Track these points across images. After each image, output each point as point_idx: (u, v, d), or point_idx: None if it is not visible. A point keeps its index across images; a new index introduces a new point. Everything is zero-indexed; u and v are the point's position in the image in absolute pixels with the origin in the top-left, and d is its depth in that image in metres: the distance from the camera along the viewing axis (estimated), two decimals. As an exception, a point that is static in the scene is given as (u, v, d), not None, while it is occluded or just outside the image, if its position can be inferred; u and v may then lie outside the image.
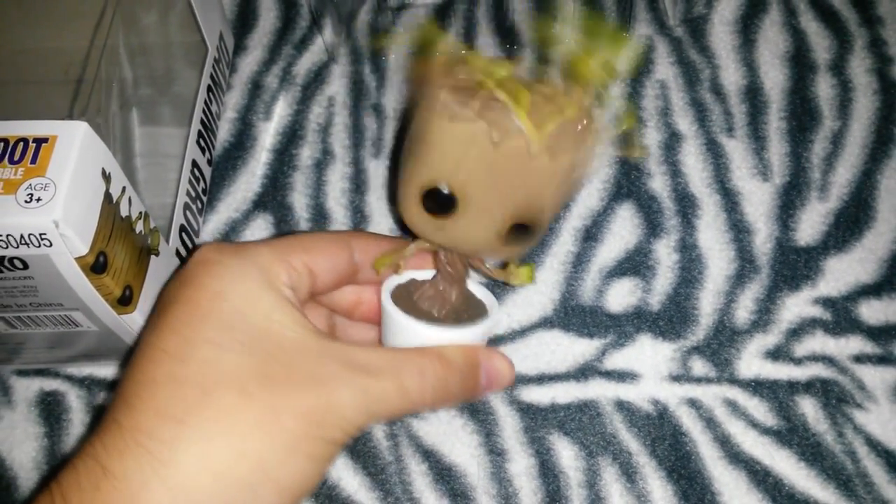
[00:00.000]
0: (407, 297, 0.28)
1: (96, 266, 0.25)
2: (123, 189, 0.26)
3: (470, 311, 0.28)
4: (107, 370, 0.35)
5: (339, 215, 0.38)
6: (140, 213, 0.28)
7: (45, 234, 0.23)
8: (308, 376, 0.23)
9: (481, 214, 0.24)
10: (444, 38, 0.24)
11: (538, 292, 0.36)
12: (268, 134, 0.40)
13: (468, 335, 0.27)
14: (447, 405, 0.27)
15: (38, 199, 0.23)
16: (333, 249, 0.27)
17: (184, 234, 0.34)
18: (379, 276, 0.28)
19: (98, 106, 0.27)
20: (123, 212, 0.26)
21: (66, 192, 0.23)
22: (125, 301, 0.27)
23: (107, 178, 0.25)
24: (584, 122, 0.24)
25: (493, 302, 0.29)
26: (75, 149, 0.24)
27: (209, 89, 0.38)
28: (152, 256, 0.29)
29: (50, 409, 0.34)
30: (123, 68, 0.31)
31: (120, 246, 0.26)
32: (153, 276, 0.29)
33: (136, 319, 0.28)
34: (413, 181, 0.25)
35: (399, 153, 0.29)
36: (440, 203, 0.24)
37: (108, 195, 0.25)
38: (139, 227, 0.28)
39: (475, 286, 0.29)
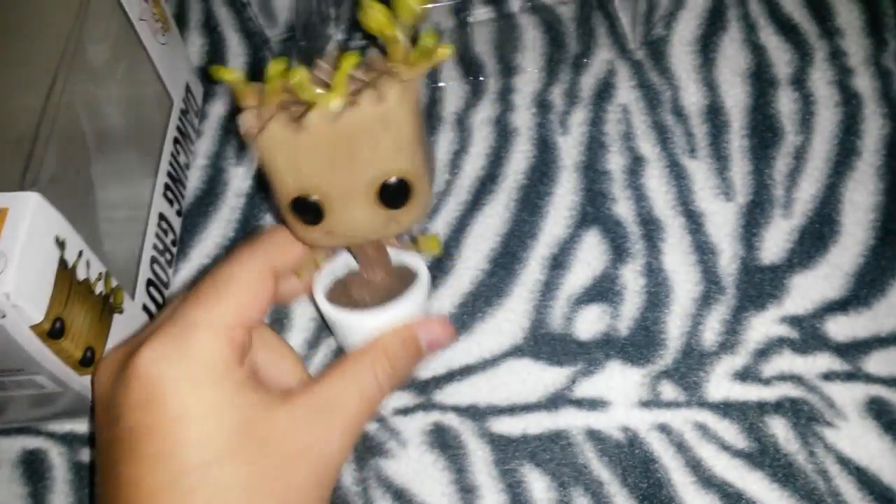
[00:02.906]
0: (341, 289, 0.29)
1: (53, 332, 0.25)
2: (80, 253, 0.27)
3: (405, 281, 0.29)
4: (86, 426, 0.35)
5: (310, 256, 0.39)
6: (100, 273, 0.29)
7: (-2, 305, 0.24)
8: (297, 454, 0.25)
9: (347, 200, 0.25)
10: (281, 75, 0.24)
11: (507, 321, 0.36)
12: (238, 178, 0.41)
13: (406, 307, 0.28)
14: (400, 384, 0.29)
15: (-9, 272, 0.24)
16: (259, 288, 0.27)
17: (151, 288, 0.35)
18: (302, 279, 0.29)
19: (52, 170, 0.27)
20: (81, 275, 0.27)
21: (17, 264, 0.24)
22: (87, 362, 0.28)
23: (60, 244, 0.26)
24: (388, 65, 0.24)
25: (421, 263, 0.29)
26: (26, 220, 0.25)
27: (176, 141, 0.39)
28: (115, 315, 0.30)
29: (33, 469, 0.34)
30: (82, 124, 0.32)
31: (78, 309, 0.27)
32: (117, 333, 0.30)
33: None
34: (283, 207, 0.26)
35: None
36: (309, 212, 0.25)
37: (62, 261, 0.26)
38: (99, 287, 0.28)
39: (400, 253, 0.30)
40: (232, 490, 0.24)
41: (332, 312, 0.28)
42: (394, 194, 0.25)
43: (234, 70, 0.24)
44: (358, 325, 0.28)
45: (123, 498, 0.24)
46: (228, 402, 0.24)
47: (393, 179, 0.25)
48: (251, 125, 0.24)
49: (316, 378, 0.27)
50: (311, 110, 0.23)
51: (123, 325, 0.30)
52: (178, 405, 0.24)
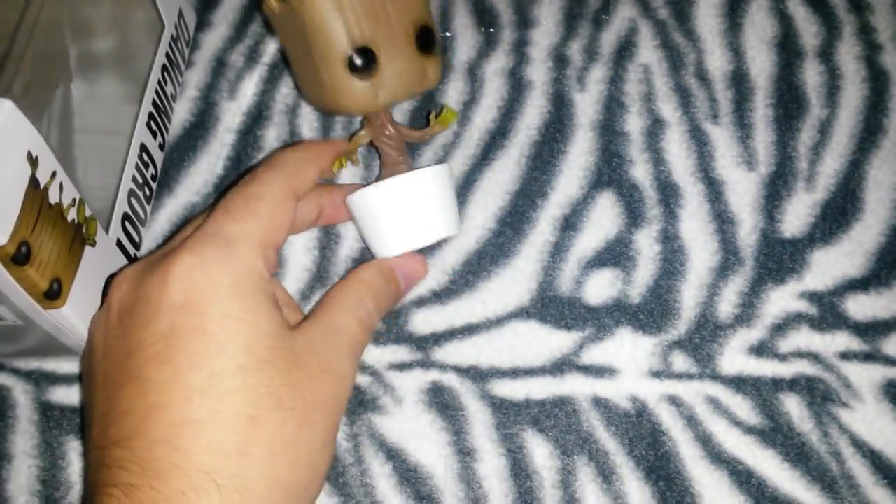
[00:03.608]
0: None
1: (17, 257, 0.23)
2: (54, 174, 0.24)
3: None
4: (55, 364, 0.32)
5: (306, 200, 0.36)
6: (74, 199, 0.26)
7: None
8: (319, 369, 0.26)
9: (393, 48, 0.29)
10: None
11: (514, 281, 0.34)
12: (232, 114, 0.38)
13: (432, 172, 0.31)
14: (386, 312, 0.31)
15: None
16: (286, 209, 0.28)
17: (127, 223, 0.32)
18: (335, 173, 0.33)
19: (28, 83, 0.24)
20: (53, 198, 0.24)
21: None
22: (52, 295, 0.25)
23: (33, 161, 0.23)
24: None
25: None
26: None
27: (164, 69, 0.36)
28: (87, 247, 0.27)
29: (-9, 403, 0.32)
30: (65, 43, 0.29)
31: (47, 235, 0.24)
32: (88, 267, 0.27)
33: (65, 314, 0.26)
34: (331, 59, 0.29)
35: (300, 71, 0.32)
36: (367, 62, 0.29)
37: (34, 180, 0.23)
38: (71, 214, 0.25)
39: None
40: (265, 399, 0.24)
41: (372, 191, 0.30)
42: (427, 38, 0.30)
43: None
44: (408, 186, 0.30)
45: (150, 404, 0.23)
46: (266, 312, 0.25)
47: (424, 24, 0.30)
48: None
49: (311, 312, 0.29)
50: None
51: (96, 258, 0.28)
52: (221, 308, 0.24)
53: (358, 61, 0.29)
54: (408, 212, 0.30)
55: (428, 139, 0.35)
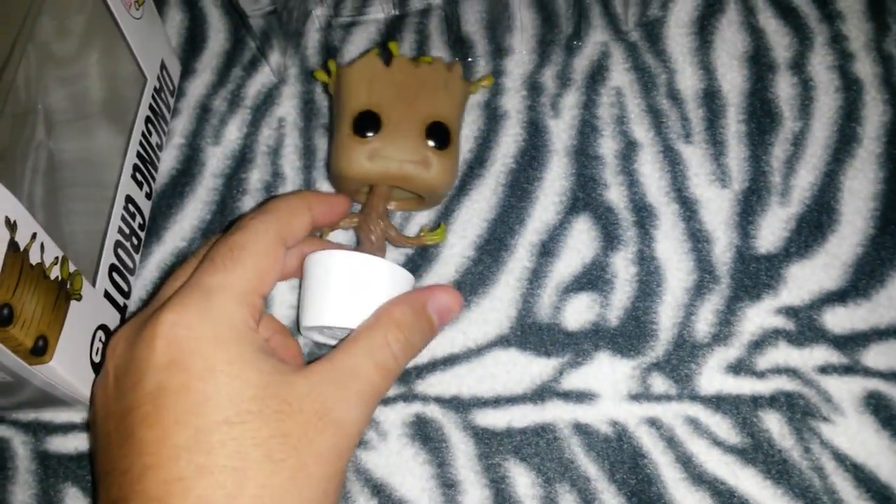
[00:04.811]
0: None
1: (0, 319, 0.24)
2: (34, 235, 0.25)
3: None
4: (52, 414, 0.34)
5: (289, 240, 0.37)
6: (56, 257, 0.27)
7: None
8: (317, 417, 0.25)
9: (401, 124, 0.32)
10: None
11: (494, 310, 0.35)
12: (216, 159, 0.40)
13: (391, 270, 0.30)
14: (416, 355, 0.29)
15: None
16: (273, 257, 0.28)
17: (115, 274, 0.33)
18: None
19: (4, 147, 0.26)
20: (34, 259, 0.25)
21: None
22: (38, 351, 0.26)
23: (11, 226, 0.24)
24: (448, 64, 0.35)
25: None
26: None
27: (148, 120, 0.37)
28: (73, 302, 0.28)
29: (-8, 455, 0.33)
30: (42, 99, 0.30)
31: (29, 295, 0.25)
32: (74, 322, 0.28)
33: (53, 369, 0.27)
34: (344, 120, 0.32)
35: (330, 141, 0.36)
36: (369, 123, 0.32)
37: (13, 244, 0.24)
38: (55, 272, 0.27)
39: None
40: (252, 452, 0.24)
41: (342, 254, 0.30)
42: (438, 132, 0.32)
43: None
44: (372, 266, 0.30)
45: (144, 464, 0.23)
46: (251, 362, 0.25)
47: (443, 121, 0.32)
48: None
49: (328, 353, 0.27)
50: (395, 57, 0.34)
51: (83, 312, 0.29)
52: (203, 363, 0.24)
53: (361, 120, 0.31)
54: (355, 289, 0.29)
55: (410, 247, 0.35)
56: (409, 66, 0.33)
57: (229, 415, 0.24)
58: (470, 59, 0.41)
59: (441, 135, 0.32)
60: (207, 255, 0.28)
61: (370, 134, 0.31)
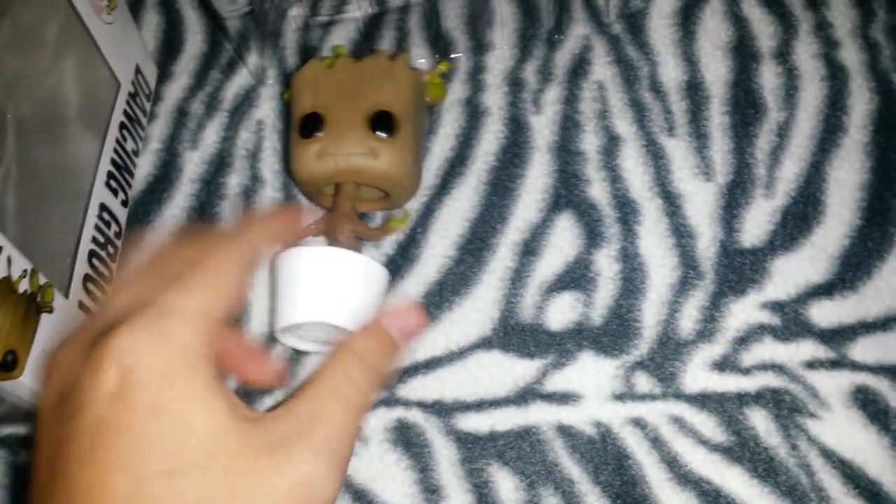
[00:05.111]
0: None
1: (-33, 333, 0.23)
2: (0, 249, 0.25)
3: None
4: (31, 428, 0.33)
5: (268, 245, 0.37)
6: (24, 270, 0.26)
7: None
8: (281, 472, 0.22)
9: (344, 121, 0.33)
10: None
11: (476, 311, 0.34)
12: (194, 164, 0.39)
13: (365, 263, 0.30)
14: (383, 382, 0.27)
15: None
16: (237, 277, 0.25)
17: (90, 284, 0.33)
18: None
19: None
20: (0, 273, 0.25)
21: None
22: (8, 367, 0.26)
23: (-26, 240, 0.24)
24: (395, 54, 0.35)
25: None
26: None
27: (123, 126, 0.37)
28: (44, 314, 0.27)
29: (-28, 469, 0.33)
30: (6, 107, 0.29)
31: (-4, 310, 0.25)
32: (46, 335, 0.28)
33: (24, 384, 0.27)
34: (293, 126, 0.33)
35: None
36: (313, 124, 0.33)
37: (-23, 257, 0.24)
38: (23, 286, 0.26)
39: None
40: None
41: (319, 250, 0.30)
42: (382, 120, 0.32)
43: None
44: (346, 259, 0.30)
45: None
46: (201, 401, 0.22)
47: (386, 109, 0.33)
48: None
49: (290, 397, 0.24)
50: (339, 57, 0.35)
51: (55, 324, 0.28)
52: (151, 399, 0.22)
53: (306, 123, 0.32)
54: (325, 282, 0.29)
55: (381, 239, 0.36)
56: (350, 64, 0.34)
57: (173, 465, 0.21)
58: (451, 56, 0.41)
59: (385, 123, 0.32)
60: (166, 266, 0.26)
61: (318, 134, 0.32)
